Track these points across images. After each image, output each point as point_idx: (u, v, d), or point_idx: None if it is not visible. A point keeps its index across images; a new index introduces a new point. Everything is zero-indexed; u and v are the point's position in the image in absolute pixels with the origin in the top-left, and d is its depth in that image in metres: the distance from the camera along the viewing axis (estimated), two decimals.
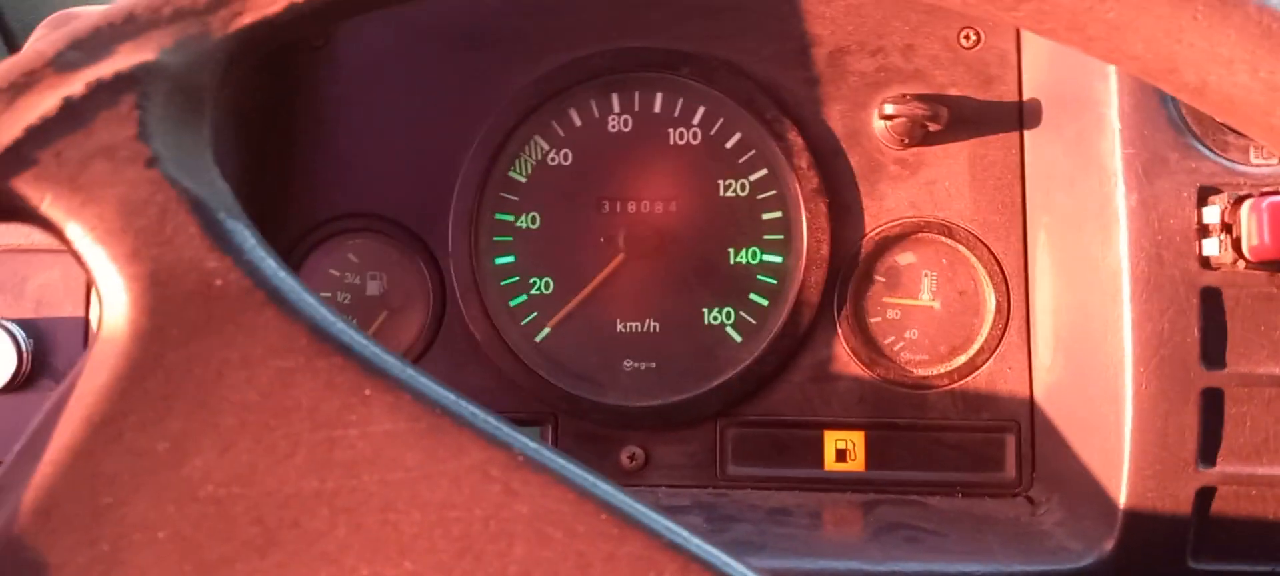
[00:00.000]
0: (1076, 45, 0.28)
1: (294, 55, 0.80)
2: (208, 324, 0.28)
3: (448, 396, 0.29)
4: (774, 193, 0.79)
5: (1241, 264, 0.61)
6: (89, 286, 0.65)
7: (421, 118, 0.80)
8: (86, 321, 0.65)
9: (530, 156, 0.80)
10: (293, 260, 0.79)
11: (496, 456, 0.28)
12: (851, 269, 0.78)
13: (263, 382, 0.28)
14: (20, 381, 0.64)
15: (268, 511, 0.28)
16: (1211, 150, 0.62)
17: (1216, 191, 0.62)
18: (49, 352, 0.65)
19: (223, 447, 0.28)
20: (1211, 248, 0.61)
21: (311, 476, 0.28)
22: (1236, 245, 0.60)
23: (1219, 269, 0.62)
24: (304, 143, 0.80)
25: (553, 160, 0.80)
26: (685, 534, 0.28)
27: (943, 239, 0.77)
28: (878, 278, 0.78)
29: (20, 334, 0.64)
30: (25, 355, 0.64)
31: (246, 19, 0.30)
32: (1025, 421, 0.76)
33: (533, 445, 0.29)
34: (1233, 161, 0.62)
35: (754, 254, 0.79)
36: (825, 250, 0.77)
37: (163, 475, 0.27)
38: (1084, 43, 0.28)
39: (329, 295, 0.80)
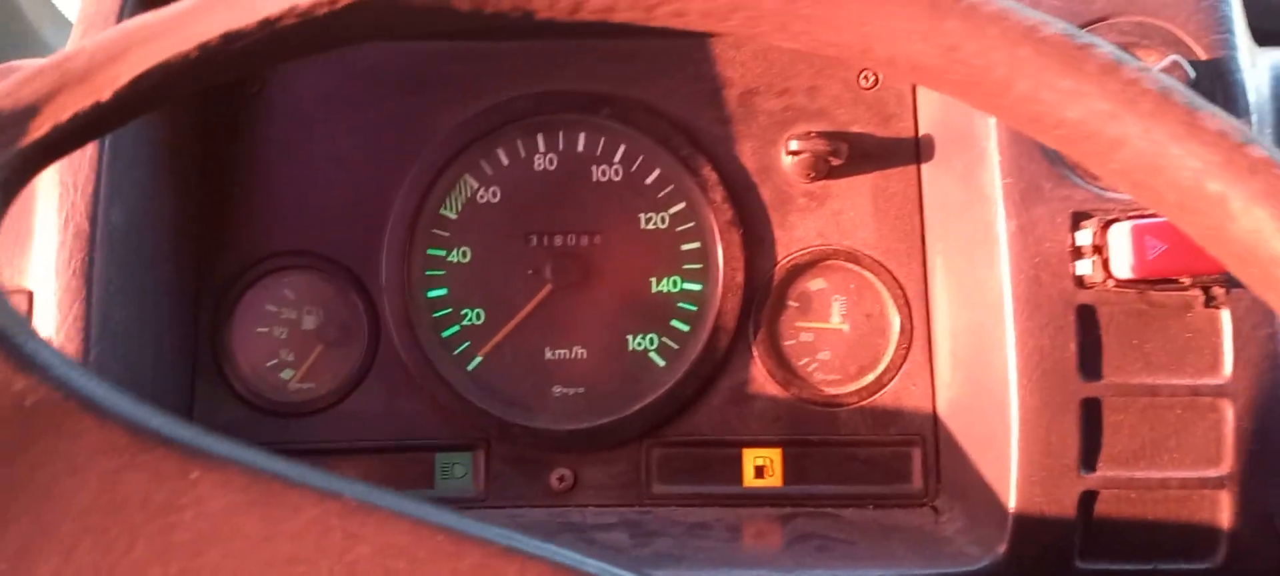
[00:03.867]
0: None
1: (231, 98, 0.83)
2: (28, 441, 0.29)
3: (274, 462, 0.30)
4: (692, 224, 0.83)
5: (1112, 282, 0.66)
6: None
7: (355, 158, 0.84)
8: None
9: (461, 194, 0.84)
10: (229, 297, 0.82)
11: (332, 506, 0.29)
12: (766, 295, 0.82)
13: (92, 485, 0.29)
14: None
15: None
16: (1082, 179, 0.68)
17: (1088, 216, 0.67)
18: None
19: (65, 554, 0.29)
20: (1084, 268, 0.67)
21: (156, 565, 0.29)
22: (1107, 265, 0.66)
23: (1092, 287, 0.67)
24: (241, 182, 0.83)
25: (482, 197, 0.84)
26: (521, 538, 0.30)
27: (850, 265, 0.82)
28: (791, 303, 0.83)
29: None
30: None
31: (20, 144, 0.31)
32: (929, 435, 0.81)
33: (361, 487, 0.30)
34: (1103, 189, 0.68)
35: (675, 282, 0.83)
36: (740, 277, 0.82)
37: None
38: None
39: (266, 330, 0.82)
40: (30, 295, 0.68)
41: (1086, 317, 0.67)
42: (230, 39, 0.32)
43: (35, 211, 0.69)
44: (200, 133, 0.83)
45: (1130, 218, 0.66)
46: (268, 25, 0.32)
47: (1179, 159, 0.28)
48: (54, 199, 0.68)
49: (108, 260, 0.68)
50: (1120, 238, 0.64)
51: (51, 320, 0.67)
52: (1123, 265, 0.64)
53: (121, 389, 0.31)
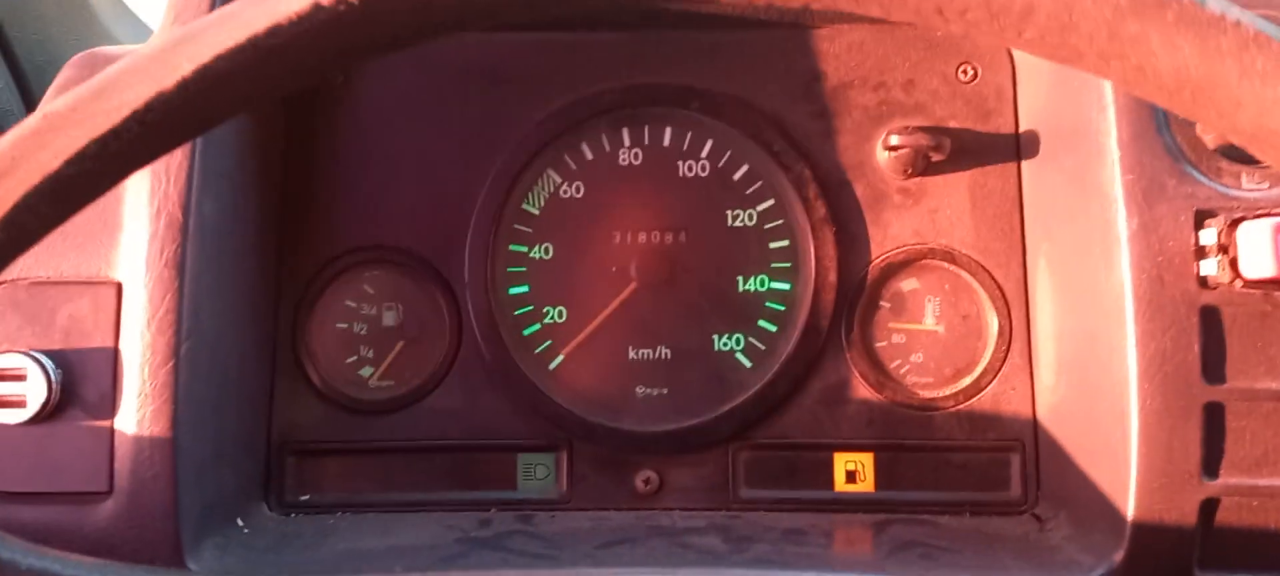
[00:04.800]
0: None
1: (314, 93, 0.81)
2: None
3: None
4: (781, 222, 0.81)
5: (1238, 283, 0.64)
6: (118, 316, 0.66)
7: (438, 153, 0.82)
8: (115, 351, 0.65)
9: (544, 189, 0.82)
10: (310, 293, 0.80)
11: None
12: (858, 295, 0.80)
13: None
14: (49, 411, 0.65)
15: None
16: (1206, 176, 0.66)
17: (1212, 215, 0.65)
18: (77, 383, 0.65)
19: None
20: (1209, 268, 0.64)
21: None
22: (1233, 265, 0.63)
23: (1217, 288, 0.64)
24: (323, 178, 0.81)
25: (566, 193, 0.82)
26: None
27: (945, 265, 0.80)
28: (883, 303, 0.81)
29: (50, 365, 0.65)
30: (54, 386, 0.65)
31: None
32: (1029, 440, 0.78)
33: None
34: (1226, 187, 0.65)
35: (762, 281, 0.81)
36: (832, 277, 0.80)
37: None
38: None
39: (346, 326, 0.81)
40: (118, 287, 0.67)
41: (1211, 319, 0.65)
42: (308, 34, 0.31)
43: (124, 201, 0.67)
44: (285, 127, 0.81)
45: (1256, 216, 0.63)
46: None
47: None
48: (145, 188, 0.66)
49: (199, 253, 0.67)
50: (1255, 236, 0.62)
51: (141, 312, 0.65)
52: (1257, 264, 0.62)
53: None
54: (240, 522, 0.74)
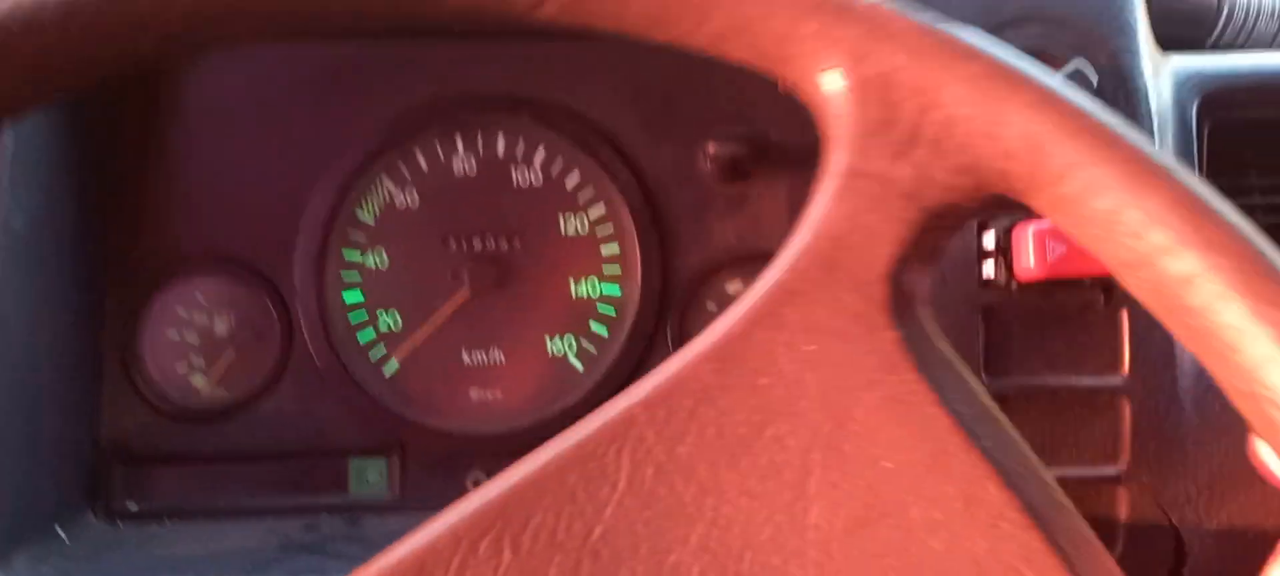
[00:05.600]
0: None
1: (141, 94, 0.81)
2: None
3: None
4: (611, 227, 0.83)
5: (1015, 284, 0.67)
6: None
7: (270, 158, 0.82)
8: None
9: (377, 197, 0.83)
10: (139, 299, 0.80)
11: None
12: (684, 298, 0.83)
13: None
14: None
15: None
16: None
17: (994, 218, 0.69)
18: None
19: None
20: (989, 270, 0.68)
21: None
22: (1010, 267, 0.67)
23: (996, 289, 0.68)
24: (149, 182, 0.82)
25: (400, 201, 0.83)
26: None
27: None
28: (709, 305, 0.83)
29: None
30: None
31: None
32: None
33: None
34: None
35: (593, 285, 0.83)
36: (658, 281, 0.82)
37: None
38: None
39: (176, 335, 0.81)
40: None
41: (991, 318, 0.69)
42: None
43: None
44: (108, 130, 0.81)
45: (1032, 220, 0.67)
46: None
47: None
48: None
49: (6, 265, 0.67)
50: (1023, 240, 0.66)
51: None
52: (1025, 266, 0.65)
53: None
54: (60, 531, 0.74)
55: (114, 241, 0.80)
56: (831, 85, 0.33)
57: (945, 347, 0.34)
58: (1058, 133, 0.30)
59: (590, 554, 0.32)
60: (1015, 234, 0.67)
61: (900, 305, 0.32)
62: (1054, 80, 0.32)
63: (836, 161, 0.33)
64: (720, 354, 0.33)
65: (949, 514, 0.31)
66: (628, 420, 0.33)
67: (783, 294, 0.33)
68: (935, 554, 0.31)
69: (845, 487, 0.32)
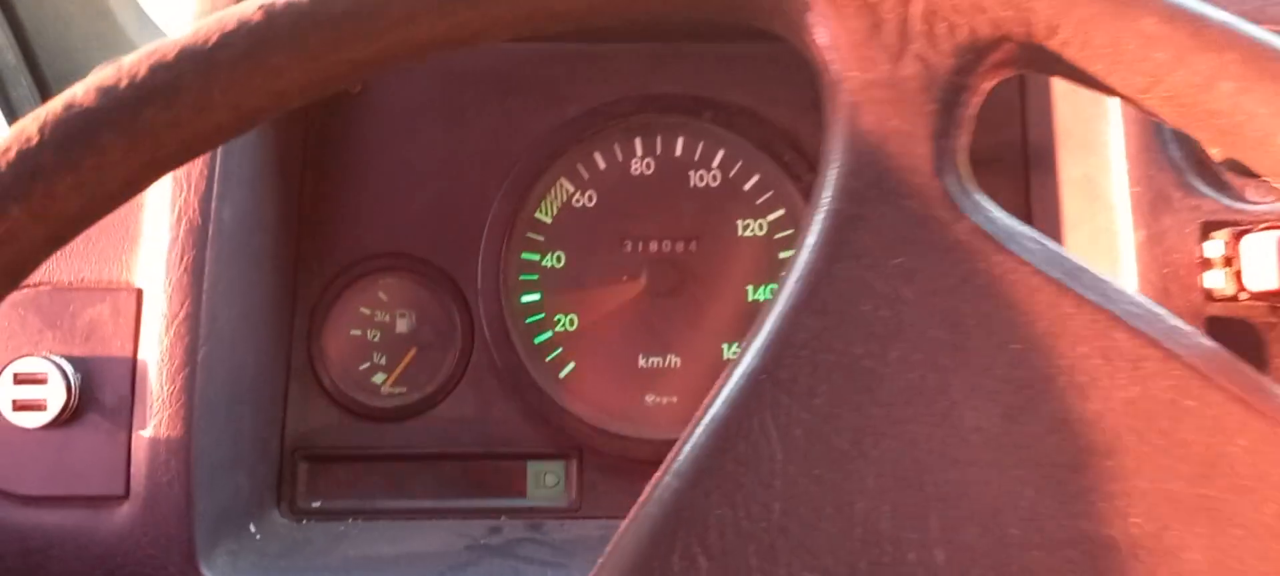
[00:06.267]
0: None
1: (332, 100, 0.82)
2: None
3: None
4: (791, 232, 0.82)
5: (1244, 295, 0.64)
6: (138, 321, 0.67)
7: (453, 161, 0.83)
8: (134, 356, 0.66)
9: (556, 198, 0.83)
10: (325, 299, 0.81)
11: None
12: None
13: None
14: (68, 415, 0.66)
15: None
16: (1211, 189, 0.66)
17: (1218, 226, 0.66)
18: (96, 387, 0.66)
19: None
20: (1214, 280, 0.65)
21: None
22: (1238, 277, 0.64)
23: (1222, 300, 0.65)
24: (339, 184, 0.82)
25: (578, 201, 0.83)
26: None
27: None
28: None
29: (69, 369, 0.65)
30: (73, 390, 0.65)
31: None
32: None
33: None
34: (1231, 200, 0.66)
35: (772, 291, 0.82)
36: None
37: None
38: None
39: (360, 333, 0.81)
40: (139, 293, 0.67)
41: (1216, 331, 0.65)
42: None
43: (144, 207, 0.68)
44: (303, 133, 0.82)
45: (1263, 229, 0.64)
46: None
47: None
48: (166, 195, 0.67)
49: (217, 258, 0.68)
50: (1259, 248, 0.62)
51: (160, 318, 0.66)
52: (1262, 276, 0.62)
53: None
54: (253, 528, 0.74)
55: (305, 242, 0.81)
56: (812, 11, 0.33)
57: (1011, 217, 0.34)
58: None
59: (780, 531, 0.32)
60: (1244, 243, 0.64)
61: (959, 193, 0.33)
62: None
63: (842, 81, 0.33)
64: (813, 298, 0.33)
65: (1092, 373, 0.31)
66: (756, 388, 0.33)
67: (845, 222, 0.33)
68: (1095, 413, 0.31)
69: (987, 384, 0.32)
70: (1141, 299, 0.32)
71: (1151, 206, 0.66)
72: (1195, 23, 0.30)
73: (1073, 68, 0.32)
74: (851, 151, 0.33)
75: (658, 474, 0.34)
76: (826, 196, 0.33)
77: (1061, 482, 0.31)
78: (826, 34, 0.33)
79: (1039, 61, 0.33)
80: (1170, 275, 0.66)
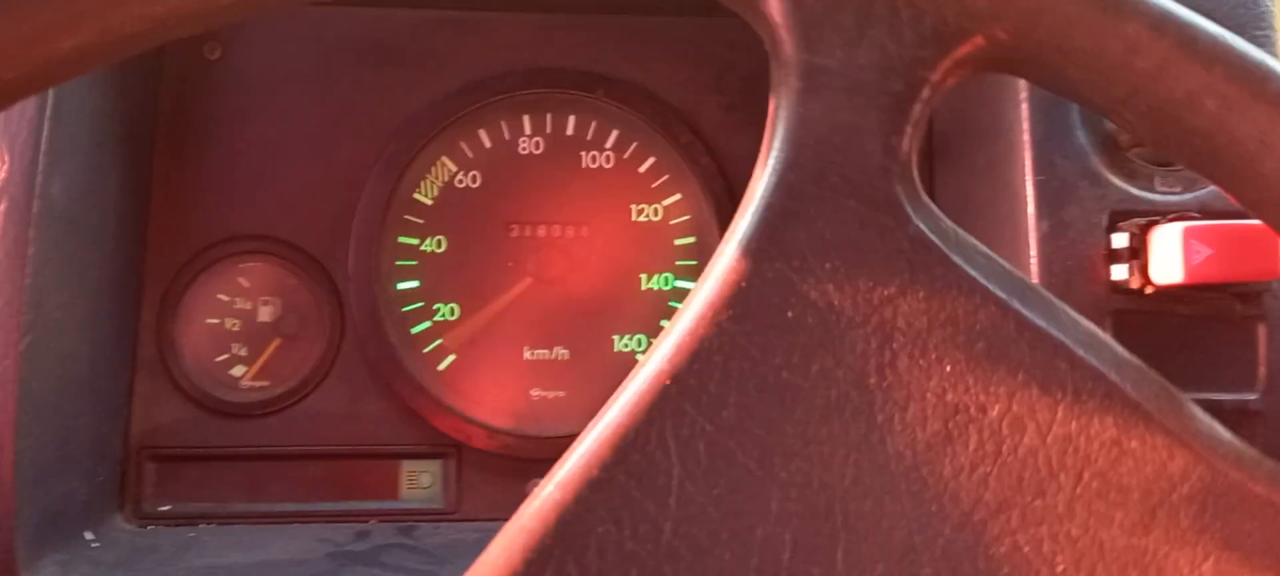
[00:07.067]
0: None
1: (187, 64, 0.75)
2: None
3: None
4: (687, 217, 0.78)
5: (1150, 289, 0.62)
6: None
7: (323, 135, 0.76)
8: None
9: (437, 178, 0.77)
10: (177, 284, 0.74)
11: None
12: None
13: None
14: None
15: None
16: (1119, 178, 0.64)
17: (1126, 217, 0.63)
18: None
19: None
20: (1120, 273, 0.62)
21: None
22: (1144, 270, 0.61)
23: (1128, 293, 0.62)
24: (195, 158, 0.75)
25: (460, 182, 0.77)
26: None
27: None
28: None
29: None
30: None
31: None
32: None
33: None
34: (1141, 189, 0.63)
35: (666, 280, 0.77)
36: None
37: None
38: None
39: (217, 322, 0.75)
40: None
41: (1120, 325, 0.63)
42: None
43: None
44: (153, 101, 0.75)
45: (1172, 220, 0.61)
46: None
47: None
48: None
49: (45, 237, 0.60)
50: (1166, 241, 0.60)
51: None
52: (1167, 270, 0.60)
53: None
54: (88, 535, 0.67)
55: (155, 221, 0.74)
56: None
57: (956, 228, 0.31)
58: None
59: (669, 555, 0.29)
60: (1152, 235, 0.61)
61: (906, 196, 0.30)
62: None
63: (790, 62, 0.29)
64: (733, 299, 0.29)
65: (1029, 403, 0.29)
66: (659, 395, 0.30)
67: (777, 217, 0.30)
68: (1029, 448, 0.29)
69: (914, 404, 0.29)
70: (1090, 327, 0.30)
71: (1056, 195, 0.63)
72: (1185, 33, 0.27)
73: (1045, 70, 0.29)
74: (793, 141, 0.30)
75: (541, 484, 0.30)
76: (760, 187, 0.30)
77: (983, 523, 0.28)
78: (780, 9, 0.29)
79: (1009, 61, 0.30)
80: (1074, 267, 0.63)
